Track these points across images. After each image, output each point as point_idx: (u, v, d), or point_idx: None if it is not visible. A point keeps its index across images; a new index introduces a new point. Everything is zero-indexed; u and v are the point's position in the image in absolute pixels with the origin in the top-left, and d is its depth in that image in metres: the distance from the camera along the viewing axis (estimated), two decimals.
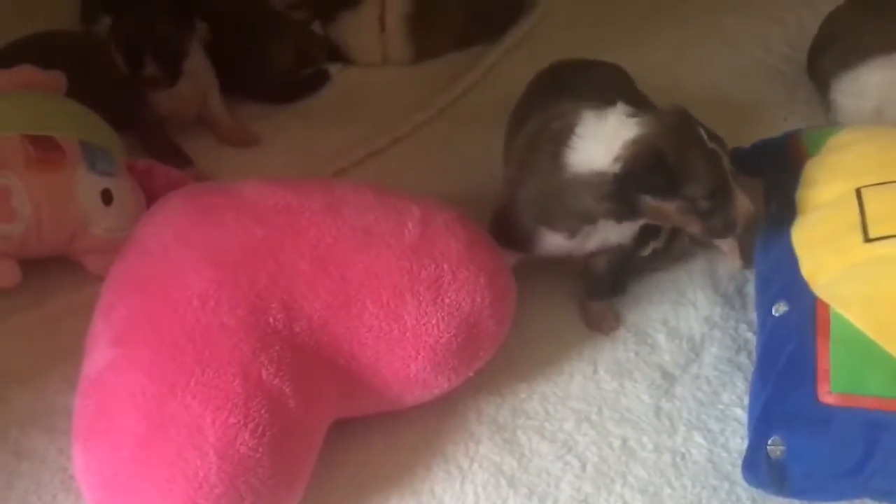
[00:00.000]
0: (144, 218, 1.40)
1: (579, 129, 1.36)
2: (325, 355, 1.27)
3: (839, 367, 1.24)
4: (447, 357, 1.31)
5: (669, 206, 1.34)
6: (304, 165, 1.87)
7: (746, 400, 1.38)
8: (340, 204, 1.34)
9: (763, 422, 1.27)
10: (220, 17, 2.00)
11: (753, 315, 1.51)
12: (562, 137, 1.37)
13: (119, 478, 1.15)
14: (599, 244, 1.46)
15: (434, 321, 1.30)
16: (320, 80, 2.15)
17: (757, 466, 1.24)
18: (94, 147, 1.64)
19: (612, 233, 1.44)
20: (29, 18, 2.10)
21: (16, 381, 1.44)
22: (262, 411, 1.17)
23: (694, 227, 1.38)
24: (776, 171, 1.61)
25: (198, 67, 1.90)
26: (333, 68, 2.17)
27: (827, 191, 1.45)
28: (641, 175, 1.31)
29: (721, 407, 1.42)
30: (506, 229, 1.48)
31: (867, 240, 1.34)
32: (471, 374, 1.38)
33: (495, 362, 1.42)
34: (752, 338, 1.50)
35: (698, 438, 1.38)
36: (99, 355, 1.23)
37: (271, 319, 1.24)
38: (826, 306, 1.31)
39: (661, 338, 1.53)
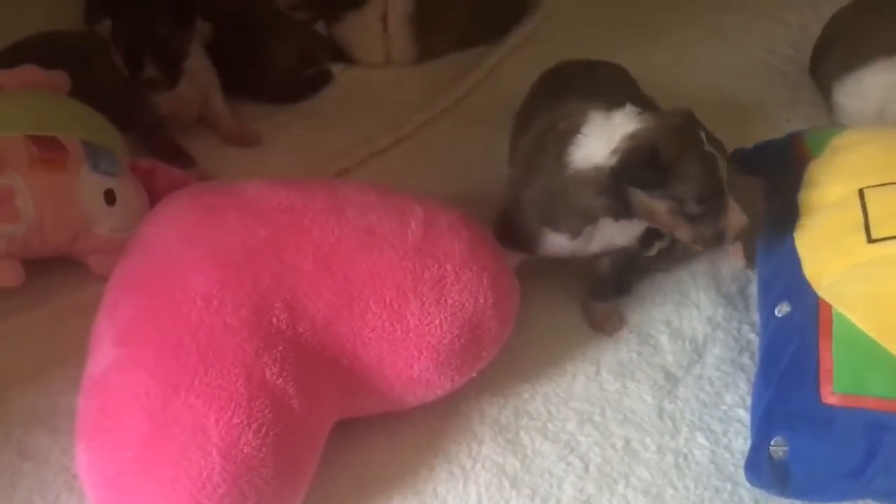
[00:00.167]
0: (148, 218, 1.40)
1: (585, 129, 1.36)
2: (328, 355, 1.27)
3: (842, 367, 1.24)
4: (450, 357, 1.32)
5: (660, 206, 1.33)
6: (306, 165, 1.87)
7: (749, 401, 1.38)
8: (344, 204, 1.34)
9: (766, 422, 1.27)
10: (223, 17, 2.01)
11: (756, 316, 1.51)
12: (567, 137, 1.37)
13: (122, 477, 1.15)
14: (604, 246, 1.46)
15: (437, 321, 1.30)
16: (323, 80, 2.15)
17: (759, 467, 1.24)
18: (97, 147, 1.64)
19: (617, 235, 1.44)
20: (32, 18, 2.10)
21: (19, 380, 1.44)
22: (266, 411, 1.18)
23: (683, 233, 1.36)
24: (778, 172, 1.61)
25: (198, 68, 1.90)
26: (336, 68, 2.18)
27: (830, 192, 1.45)
28: (634, 167, 1.30)
29: (724, 408, 1.42)
30: (510, 230, 1.48)
31: (870, 240, 1.34)
32: (474, 374, 1.38)
33: (498, 363, 1.42)
34: (754, 338, 1.51)
35: (701, 439, 1.38)
36: (102, 355, 1.23)
37: (274, 319, 1.24)
38: (829, 307, 1.31)
39: (664, 339, 1.53)
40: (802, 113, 1.98)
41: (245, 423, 1.16)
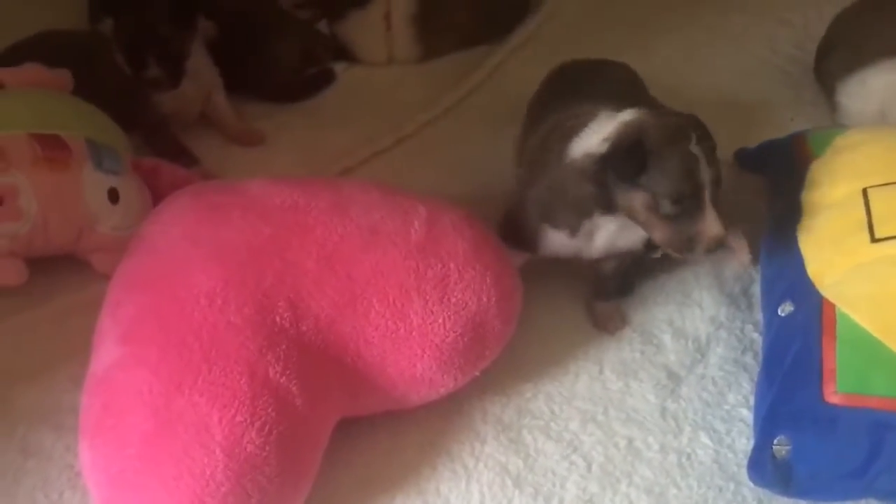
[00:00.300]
0: (151, 216, 1.41)
1: (590, 126, 1.36)
2: (331, 354, 1.27)
3: (845, 367, 1.24)
4: (453, 356, 1.32)
5: (636, 199, 1.31)
6: (309, 164, 1.87)
7: (752, 400, 1.38)
8: (347, 202, 1.34)
9: (769, 421, 1.27)
10: (226, 16, 2.01)
11: (759, 315, 1.51)
12: (571, 134, 1.37)
13: (126, 475, 1.15)
14: (608, 249, 1.45)
15: (440, 320, 1.30)
16: (326, 79, 2.14)
17: (762, 466, 1.24)
18: (101, 145, 1.64)
19: (619, 237, 1.43)
20: (35, 17, 2.10)
21: (22, 378, 1.44)
22: (269, 410, 1.18)
23: (656, 233, 1.33)
24: (781, 172, 1.61)
25: (201, 67, 1.90)
26: (339, 67, 2.17)
27: (833, 191, 1.45)
28: (618, 155, 1.30)
29: (727, 407, 1.42)
30: (514, 229, 1.48)
31: (873, 240, 1.34)
32: (477, 373, 1.38)
33: (501, 362, 1.42)
34: (757, 338, 1.50)
35: (704, 439, 1.38)
36: (106, 353, 1.23)
37: (278, 318, 1.24)
38: (832, 306, 1.31)
39: (667, 338, 1.53)
40: (805, 113, 1.97)
41: (248, 421, 1.16)
